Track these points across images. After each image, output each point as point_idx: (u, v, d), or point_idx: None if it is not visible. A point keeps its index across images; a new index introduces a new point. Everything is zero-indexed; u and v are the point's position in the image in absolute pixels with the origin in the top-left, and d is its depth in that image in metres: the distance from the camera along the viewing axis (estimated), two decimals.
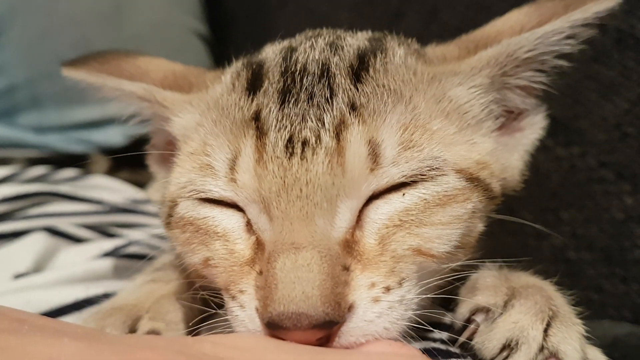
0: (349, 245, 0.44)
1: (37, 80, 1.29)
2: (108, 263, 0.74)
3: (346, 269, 0.42)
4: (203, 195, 0.48)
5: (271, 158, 0.44)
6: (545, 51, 0.52)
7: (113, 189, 1.04)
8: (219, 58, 1.56)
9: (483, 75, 0.52)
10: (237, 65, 0.55)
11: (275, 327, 0.40)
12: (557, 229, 0.86)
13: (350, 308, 0.41)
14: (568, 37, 0.51)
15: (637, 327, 0.67)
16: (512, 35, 0.51)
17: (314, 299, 0.39)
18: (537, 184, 0.90)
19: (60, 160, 1.14)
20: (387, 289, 0.43)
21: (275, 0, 1.44)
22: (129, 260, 0.76)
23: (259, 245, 0.45)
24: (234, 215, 0.47)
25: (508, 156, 0.55)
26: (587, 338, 0.46)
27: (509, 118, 0.56)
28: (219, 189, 0.47)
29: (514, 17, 0.54)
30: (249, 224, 0.47)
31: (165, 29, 1.42)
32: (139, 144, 1.22)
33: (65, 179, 1.02)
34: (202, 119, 0.52)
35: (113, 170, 1.16)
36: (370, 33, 0.57)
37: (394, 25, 1.14)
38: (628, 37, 0.79)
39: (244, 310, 0.44)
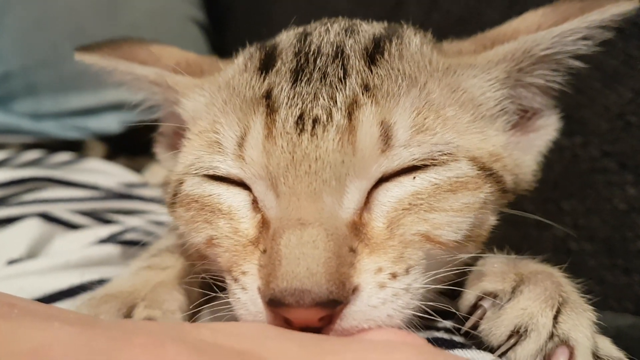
0: (357, 227, 0.43)
1: (32, 68, 1.30)
2: (104, 249, 0.73)
3: (353, 250, 0.41)
4: (210, 172, 0.48)
5: (280, 134, 0.44)
6: (562, 50, 0.52)
7: (108, 172, 1.03)
8: (218, 47, 1.57)
9: (499, 69, 0.52)
10: (250, 48, 0.55)
11: (277, 304, 0.39)
12: (559, 220, 0.87)
13: (355, 290, 0.40)
14: (584, 37, 0.51)
15: (637, 319, 0.67)
16: (528, 33, 0.51)
17: (318, 275, 0.38)
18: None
19: (55, 145, 1.14)
20: (394, 276, 0.42)
21: None
22: (125, 246, 0.75)
23: (264, 224, 0.45)
24: (240, 193, 0.47)
25: (521, 155, 0.54)
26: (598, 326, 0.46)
27: (524, 117, 0.56)
28: (226, 165, 0.47)
29: (531, 17, 0.54)
30: (254, 203, 0.46)
31: (162, 17, 1.42)
32: (135, 130, 1.22)
33: (60, 163, 1.02)
34: (212, 100, 0.52)
35: (109, 157, 1.16)
36: (387, 24, 0.57)
37: (395, 14, 1.14)
38: (632, 25, 0.78)
39: (245, 292, 0.43)
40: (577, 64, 0.54)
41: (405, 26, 0.55)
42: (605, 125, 0.81)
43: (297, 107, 0.44)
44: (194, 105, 0.54)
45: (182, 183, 0.50)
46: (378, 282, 0.41)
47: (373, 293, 0.41)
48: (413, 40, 0.51)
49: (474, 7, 1.00)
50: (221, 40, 1.58)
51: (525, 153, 0.55)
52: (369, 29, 0.52)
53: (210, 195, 0.48)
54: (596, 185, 0.82)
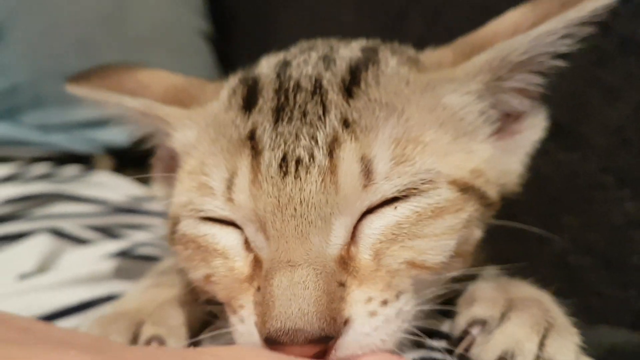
0: (345, 261, 0.44)
1: (39, 80, 1.30)
2: (113, 264, 0.76)
3: (342, 284, 0.43)
4: (202, 215, 0.49)
5: (265, 178, 0.45)
6: (541, 52, 0.51)
7: (116, 186, 1.05)
8: (223, 56, 1.58)
9: (477, 81, 0.52)
10: (233, 80, 0.56)
11: (273, 343, 0.41)
12: (557, 235, 0.87)
13: (346, 322, 0.42)
14: (564, 36, 0.50)
15: (635, 335, 0.69)
16: (506, 37, 0.51)
17: (310, 315, 0.40)
18: (537, 188, 0.90)
19: (64, 159, 1.16)
20: (384, 302, 0.43)
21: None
22: (134, 261, 0.78)
23: (256, 262, 0.46)
24: (233, 232, 0.48)
25: (507, 160, 0.55)
26: (583, 349, 0.47)
27: (508, 121, 0.56)
28: (217, 208, 0.48)
29: (510, 17, 0.53)
30: (247, 242, 0.48)
31: (169, 28, 1.43)
32: (144, 143, 1.23)
33: (69, 177, 1.04)
34: (200, 136, 0.53)
35: (118, 169, 1.18)
36: (365, 42, 0.57)
37: (397, 26, 1.15)
38: (631, 42, 0.80)
39: (243, 325, 0.45)
40: (559, 63, 0.53)
41: (382, 46, 0.56)
42: (603, 141, 0.82)
43: (280, 149, 0.45)
44: (184, 139, 0.55)
45: (177, 222, 0.52)
46: (369, 311, 0.43)
47: (365, 322, 0.42)
48: (390, 62, 0.52)
49: (475, 19, 1.00)
50: (227, 50, 1.59)
51: (510, 156, 0.55)
52: (346, 55, 0.53)
53: (205, 235, 0.49)
54: (594, 201, 0.83)
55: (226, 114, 0.51)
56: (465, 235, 0.49)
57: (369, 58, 0.52)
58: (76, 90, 0.60)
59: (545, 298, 0.51)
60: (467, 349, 0.47)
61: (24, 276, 0.73)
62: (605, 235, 0.83)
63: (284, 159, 0.45)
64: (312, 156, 0.45)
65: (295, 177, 0.44)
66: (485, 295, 0.50)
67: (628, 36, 0.80)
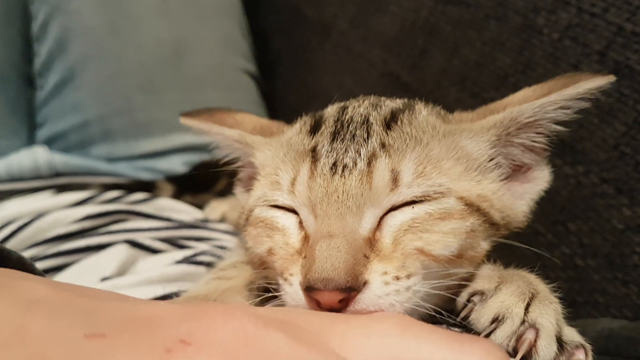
0: (371, 242, 0.56)
1: (107, 117, 1.41)
2: (179, 268, 0.87)
3: (367, 257, 0.54)
4: (272, 203, 0.62)
5: (319, 175, 0.58)
6: (543, 118, 0.61)
7: (178, 210, 1.16)
8: (268, 92, 1.69)
9: (491, 133, 0.62)
10: (305, 117, 0.70)
11: (310, 290, 0.52)
12: (566, 239, 0.94)
13: (365, 284, 0.53)
14: (562, 107, 0.60)
15: (629, 322, 0.73)
16: (516, 105, 0.62)
17: (339, 269, 0.51)
18: (548, 199, 0.94)
19: (130, 186, 1.25)
20: (397, 278, 0.54)
21: (316, 41, 1.55)
22: (196, 266, 0.89)
23: (306, 238, 0.58)
24: (291, 217, 0.61)
25: (514, 200, 0.63)
26: (576, 328, 0.55)
27: (519, 171, 0.66)
28: (283, 198, 0.61)
29: (523, 92, 0.64)
30: (300, 223, 0.60)
31: (220, 70, 1.54)
32: (197, 170, 1.37)
33: (136, 201, 1.14)
34: (276, 153, 0.67)
35: (177, 195, 1.28)
36: (405, 100, 0.70)
37: (420, 61, 1.25)
38: (624, 67, 0.86)
39: (291, 286, 0.56)
40: (559, 128, 0.62)
41: (419, 102, 0.68)
42: (603, 156, 0.89)
43: (332, 157, 0.58)
44: (263, 156, 0.69)
45: (253, 210, 0.65)
46: (383, 280, 0.53)
47: (379, 287, 0.53)
48: (422, 112, 0.64)
49: (489, 54, 1.09)
50: (271, 87, 1.69)
51: (518, 199, 0.65)
52: (390, 104, 0.66)
53: (272, 217, 0.62)
54: (597, 208, 0.89)
55: (297, 137, 0.65)
56: (470, 242, 0.59)
57: (407, 107, 0.65)
58: (188, 122, 0.75)
59: (530, 276, 0.60)
60: (467, 315, 0.57)
61: (105, 279, 0.84)
62: (607, 238, 0.87)
63: (334, 164, 0.58)
64: (355, 163, 0.58)
65: (341, 176, 0.57)
66: (484, 275, 0.60)
67: (621, 62, 0.87)
